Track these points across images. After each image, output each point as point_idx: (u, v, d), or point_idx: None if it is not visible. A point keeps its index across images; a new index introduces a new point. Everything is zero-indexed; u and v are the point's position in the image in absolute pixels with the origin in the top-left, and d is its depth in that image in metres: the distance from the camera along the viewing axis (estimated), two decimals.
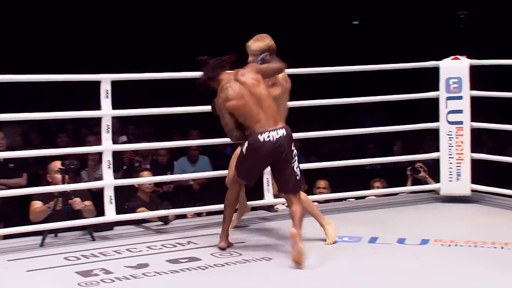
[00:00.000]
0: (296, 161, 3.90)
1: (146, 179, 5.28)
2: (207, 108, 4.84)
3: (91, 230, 4.45)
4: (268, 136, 3.84)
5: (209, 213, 5.04)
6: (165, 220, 4.78)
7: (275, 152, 3.87)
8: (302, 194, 4.08)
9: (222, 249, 4.08)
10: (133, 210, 4.98)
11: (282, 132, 3.86)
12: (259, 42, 4.08)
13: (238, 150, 4.24)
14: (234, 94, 3.87)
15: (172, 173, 6.71)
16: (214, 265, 3.85)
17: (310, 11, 12.00)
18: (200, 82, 3.98)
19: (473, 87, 5.21)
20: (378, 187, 5.82)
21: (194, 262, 3.90)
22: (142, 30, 11.70)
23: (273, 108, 3.89)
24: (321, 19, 11.98)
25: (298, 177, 3.89)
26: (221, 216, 4.81)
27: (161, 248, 4.22)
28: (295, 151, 3.91)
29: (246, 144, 3.94)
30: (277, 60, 4.05)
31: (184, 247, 4.23)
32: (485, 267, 3.71)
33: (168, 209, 4.81)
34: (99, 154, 4.74)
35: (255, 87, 3.88)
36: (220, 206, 4.78)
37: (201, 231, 4.59)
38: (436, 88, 5.28)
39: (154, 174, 5.66)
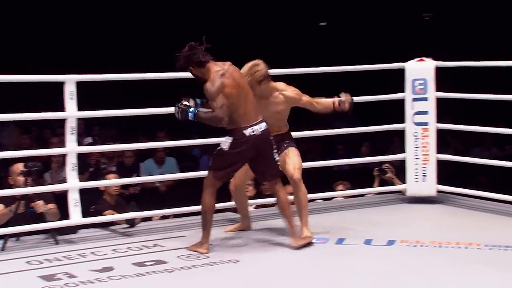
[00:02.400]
0: (274, 149, 4.06)
1: (112, 181, 5.21)
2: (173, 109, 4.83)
3: (54, 233, 4.37)
4: (253, 130, 3.95)
5: (176, 215, 4.99)
6: (131, 222, 4.73)
7: (260, 145, 3.98)
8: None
9: (202, 254, 4.03)
10: (99, 213, 4.91)
11: (264, 125, 3.98)
12: (245, 73, 4.14)
13: None
14: (230, 82, 3.90)
15: (138, 175, 6.64)
16: (181, 268, 3.82)
17: (277, 12, 12.02)
18: (182, 65, 3.93)
19: (439, 88, 5.26)
20: (341, 190, 5.82)
21: (161, 265, 3.86)
22: (110, 31, 11.58)
23: (255, 102, 4.01)
24: (288, 20, 12.01)
25: (278, 163, 4.09)
26: (188, 218, 4.84)
27: (127, 251, 4.17)
28: (272, 140, 4.06)
29: (229, 140, 3.96)
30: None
31: (150, 249, 4.19)
32: (450, 267, 3.75)
33: (134, 211, 4.75)
34: (63, 156, 4.65)
35: (243, 79, 4.00)
36: (188, 209, 4.79)
37: (168, 234, 4.55)
38: (402, 89, 5.32)
39: (120, 176, 5.59)
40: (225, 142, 3.99)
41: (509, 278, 3.55)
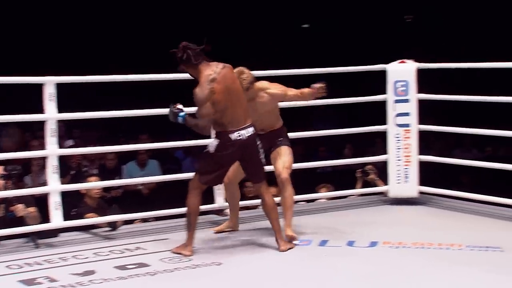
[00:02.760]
0: (261, 152, 4.08)
1: (94, 184, 5.17)
2: (156, 111, 4.81)
3: (35, 237, 4.32)
4: (239, 135, 3.94)
5: (159, 218, 4.96)
6: (113, 225, 4.70)
7: (246, 150, 3.99)
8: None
9: (186, 256, 4.02)
10: (80, 216, 4.86)
11: (251, 130, 3.98)
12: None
13: None
14: (219, 87, 3.88)
15: (120, 178, 6.58)
16: (164, 270, 3.80)
17: (260, 14, 12.03)
18: (181, 68, 4.00)
19: (424, 90, 5.29)
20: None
21: (143, 268, 3.84)
22: (90, 32, 11.50)
23: (246, 106, 4.02)
24: (271, 22, 12.03)
25: (264, 165, 4.10)
26: (171, 221, 4.82)
27: (109, 254, 4.14)
28: (259, 144, 4.06)
29: (216, 142, 3.97)
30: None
31: (132, 252, 4.17)
32: (432, 268, 3.77)
33: (116, 214, 4.72)
34: (44, 159, 4.61)
35: (234, 83, 3.98)
36: (171, 211, 4.77)
37: (150, 237, 4.53)
38: (384, 91, 5.34)
39: (102, 179, 5.55)
40: (211, 144, 4.01)
41: (490, 278, 3.58)
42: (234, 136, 3.94)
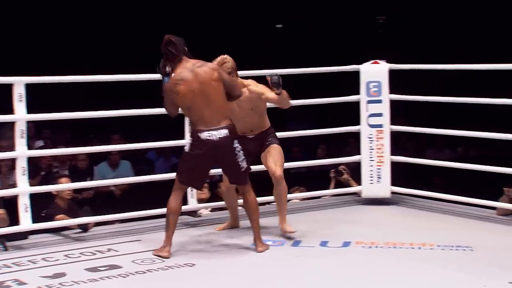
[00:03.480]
0: (241, 154, 3.98)
1: (64, 185, 5.09)
2: (129, 112, 4.77)
3: (3, 239, 4.25)
4: (210, 135, 3.88)
5: (131, 220, 4.91)
6: (84, 227, 4.65)
7: (218, 152, 3.92)
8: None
9: (164, 257, 3.99)
10: (50, 218, 4.79)
11: (224, 132, 3.89)
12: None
13: None
14: (184, 88, 3.87)
15: (92, 179, 6.51)
16: (136, 272, 3.77)
17: (233, 14, 12.01)
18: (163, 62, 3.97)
19: (398, 91, 5.32)
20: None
21: (115, 270, 3.81)
22: (63, 33, 11.35)
23: (221, 107, 3.91)
24: (244, 22, 12.02)
25: (243, 169, 4.00)
26: (143, 222, 4.79)
27: (80, 256, 4.09)
28: (237, 147, 3.95)
29: (189, 141, 3.97)
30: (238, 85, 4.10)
31: (104, 254, 4.13)
32: (404, 267, 3.80)
33: (88, 215, 4.67)
34: (13, 160, 4.53)
35: (207, 84, 3.89)
36: (143, 213, 4.73)
37: (122, 238, 4.49)
38: (357, 91, 5.37)
39: (73, 180, 5.47)
40: (187, 143, 4.01)
41: (461, 277, 3.61)
42: (204, 135, 3.89)
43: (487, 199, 4.87)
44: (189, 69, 3.88)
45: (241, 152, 3.99)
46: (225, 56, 4.23)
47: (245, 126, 4.33)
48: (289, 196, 5.48)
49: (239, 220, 4.64)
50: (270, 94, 4.27)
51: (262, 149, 4.40)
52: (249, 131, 4.38)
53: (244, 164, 4.00)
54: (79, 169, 6.67)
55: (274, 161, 4.32)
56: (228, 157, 3.96)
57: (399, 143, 6.74)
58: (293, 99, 4.75)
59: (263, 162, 4.38)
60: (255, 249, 4.07)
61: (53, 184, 5.14)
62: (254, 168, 4.63)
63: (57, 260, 4.02)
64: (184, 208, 4.85)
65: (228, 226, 4.63)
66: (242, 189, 4.11)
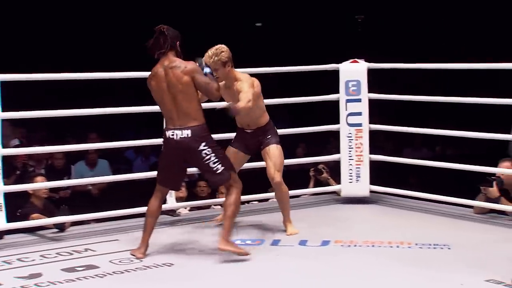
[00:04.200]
0: (211, 157, 3.86)
1: (41, 184, 5.02)
2: (105, 110, 4.72)
3: None
4: (173, 134, 3.85)
5: (109, 219, 4.86)
6: (60, 227, 4.59)
7: (180, 152, 3.87)
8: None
9: (138, 258, 3.96)
10: (26, 217, 4.72)
11: (187, 132, 3.83)
12: (211, 54, 4.10)
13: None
14: (154, 84, 3.86)
15: (69, 178, 6.43)
16: (113, 272, 3.74)
17: (212, 12, 11.97)
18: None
19: (377, 90, 5.33)
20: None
21: (92, 270, 3.77)
22: (39, 31, 11.22)
23: (188, 109, 3.83)
24: (224, 21, 11.99)
25: (218, 171, 3.88)
26: (121, 221, 4.76)
27: (56, 257, 4.04)
28: (206, 150, 3.84)
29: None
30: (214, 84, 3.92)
31: (81, 254, 4.09)
32: (382, 266, 3.81)
33: (65, 214, 4.61)
34: None
35: (174, 86, 3.81)
36: (121, 212, 4.70)
37: (100, 238, 4.45)
38: (337, 90, 5.37)
39: (50, 179, 5.41)
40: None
41: (438, 275, 3.62)
42: (168, 133, 3.88)
43: (464, 198, 4.91)
44: (164, 67, 3.85)
45: (213, 154, 3.87)
46: (222, 46, 4.16)
47: (241, 120, 4.34)
48: (268, 195, 5.49)
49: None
50: (244, 95, 4.11)
51: (261, 146, 4.36)
52: (246, 125, 4.36)
53: (219, 166, 3.88)
54: (56, 168, 6.59)
55: (273, 164, 4.31)
56: (195, 159, 3.87)
57: (376, 142, 6.76)
58: (272, 97, 4.75)
59: (264, 160, 4.37)
60: (218, 245, 3.91)
61: (29, 183, 5.07)
62: (249, 165, 4.61)
63: (33, 260, 3.97)
64: (163, 207, 4.83)
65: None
66: (225, 189, 4.06)
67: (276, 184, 4.35)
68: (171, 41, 3.86)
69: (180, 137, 3.83)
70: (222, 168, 3.90)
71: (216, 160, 3.88)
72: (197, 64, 3.92)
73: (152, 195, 4.05)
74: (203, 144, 3.85)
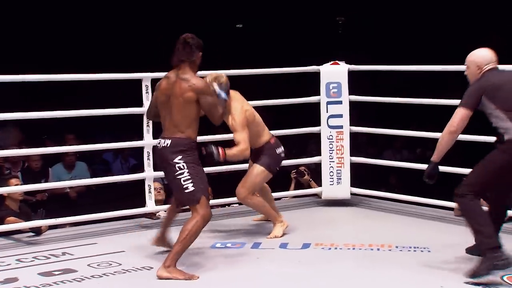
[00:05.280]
0: (184, 172, 3.64)
1: (18, 187, 4.92)
2: (84, 112, 4.67)
3: None
4: (159, 142, 3.79)
5: (87, 222, 4.80)
6: (37, 230, 4.53)
7: (159, 161, 3.84)
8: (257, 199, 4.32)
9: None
10: (1, 221, 4.63)
11: (167, 142, 3.71)
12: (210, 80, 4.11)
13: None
14: (162, 88, 3.78)
15: (46, 181, 6.33)
16: (91, 276, 3.70)
17: (193, 14, 11.92)
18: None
19: (360, 92, 5.32)
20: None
21: (69, 274, 3.73)
22: (17, 31, 11.07)
23: (178, 121, 3.69)
24: (204, 22, 11.94)
25: (187, 190, 3.65)
26: (99, 225, 4.76)
27: (33, 261, 4.00)
28: (180, 164, 3.65)
29: None
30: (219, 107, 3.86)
31: (58, 258, 4.04)
32: (362, 268, 3.81)
33: (41, 218, 4.54)
34: None
35: (175, 97, 3.69)
36: (99, 215, 4.66)
37: (78, 241, 4.40)
38: (318, 92, 5.36)
39: (27, 182, 5.32)
40: None
41: (418, 278, 3.63)
42: (157, 141, 3.83)
43: (444, 200, 4.92)
44: (176, 75, 3.75)
45: (187, 170, 3.64)
46: (221, 74, 4.19)
47: None
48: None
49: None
50: (231, 121, 4.17)
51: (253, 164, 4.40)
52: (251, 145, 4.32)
53: (189, 185, 3.64)
54: (33, 170, 6.48)
55: (245, 181, 4.34)
56: (167, 170, 3.71)
57: (357, 144, 6.77)
58: (253, 99, 4.72)
59: None
60: (157, 270, 3.65)
61: (4, 186, 4.97)
62: (229, 168, 4.66)
63: (9, 264, 3.91)
64: (142, 210, 4.79)
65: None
66: (191, 210, 3.72)
67: (240, 200, 4.39)
68: (192, 53, 3.76)
69: (161, 146, 3.73)
70: (193, 188, 3.65)
71: (188, 177, 3.64)
72: (214, 87, 3.92)
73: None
74: (179, 157, 3.65)
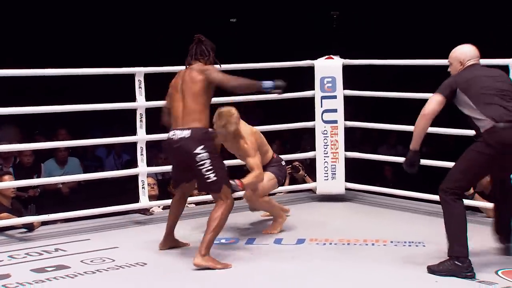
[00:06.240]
0: (206, 163, 3.71)
1: (9, 183, 4.88)
2: (76, 107, 4.63)
3: None
4: (174, 134, 3.77)
5: (79, 218, 4.77)
6: (29, 226, 4.50)
7: (177, 151, 3.78)
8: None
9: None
10: None
11: (186, 133, 3.73)
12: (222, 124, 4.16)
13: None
14: (173, 81, 3.84)
15: (38, 176, 6.28)
16: (84, 272, 3.68)
17: (186, 8, 11.88)
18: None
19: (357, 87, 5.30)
20: None
21: (62, 270, 3.71)
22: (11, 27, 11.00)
23: (193, 109, 3.74)
24: (198, 16, 11.90)
25: (209, 180, 3.72)
26: (92, 221, 4.72)
27: (25, 257, 3.97)
28: (201, 154, 3.70)
29: None
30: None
31: (51, 254, 4.02)
32: (357, 264, 3.79)
33: (33, 214, 4.51)
34: None
35: (187, 82, 3.77)
36: (92, 211, 4.64)
37: (71, 237, 4.38)
38: (312, 87, 5.34)
39: (19, 177, 5.27)
40: None
41: (414, 273, 3.61)
42: (170, 134, 3.80)
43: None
44: (188, 68, 3.84)
45: (209, 161, 3.72)
46: (231, 108, 4.22)
47: None
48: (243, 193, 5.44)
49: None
50: (243, 145, 4.24)
51: None
52: None
53: (211, 175, 3.71)
54: (25, 166, 6.43)
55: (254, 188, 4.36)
56: (189, 161, 3.73)
57: (352, 139, 6.77)
58: (246, 94, 4.69)
59: None
60: (194, 259, 3.70)
61: None
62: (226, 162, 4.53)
63: (1, 261, 3.89)
64: (135, 206, 4.77)
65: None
66: (214, 200, 3.82)
67: (248, 200, 4.38)
68: (205, 52, 3.86)
69: (179, 137, 3.73)
70: (215, 178, 3.72)
71: (210, 167, 3.71)
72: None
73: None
74: (200, 147, 3.71)
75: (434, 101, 3.58)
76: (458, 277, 3.45)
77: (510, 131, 3.45)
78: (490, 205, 4.68)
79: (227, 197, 3.77)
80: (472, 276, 3.45)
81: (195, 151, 3.71)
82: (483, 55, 3.81)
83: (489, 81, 3.56)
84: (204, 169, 3.72)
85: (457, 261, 3.47)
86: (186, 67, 3.87)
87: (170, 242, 4.06)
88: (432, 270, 3.54)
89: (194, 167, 3.73)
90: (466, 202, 4.70)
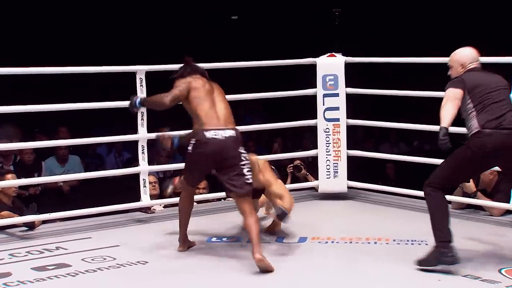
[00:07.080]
0: (247, 165, 3.80)
1: (10, 182, 4.87)
2: (77, 105, 4.62)
3: None
4: (216, 134, 3.76)
5: (80, 217, 4.76)
6: (30, 225, 4.49)
7: (221, 151, 3.77)
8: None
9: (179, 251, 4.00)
10: None
11: (230, 132, 3.78)
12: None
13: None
14: (197, 85, 3.88)
15: (39, 175, 6.27)
16: (85, 271, 3.67)
17: (189, 5, 11.86)
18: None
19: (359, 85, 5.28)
20: None
21: (63, 268, 3.70)
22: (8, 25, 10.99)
23: (225, 111, 3.85)
24: (199, 14, 11.88)
25: (249, 181, 3.79)
26: (93, 219, 4.72)
27: (26, 255, 3.96)
28: (244, 155, 3.80)
29: (193, 141, 3.83)
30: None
31: (52, 253, 4.01)
32: (359, 262, 3.79)
33: (34, 213, 4.50)
34: None
35: (217, 90, 3.93)
36: (93, 210, 4.64)
37: (72, 236, 4.37)
38: (314, 85, 5.31)
39: (20, 176, 5.26)
40: (190, 143, 3.85)
41: (416, 272, 3.59)
42: (209, 134, 3.77)
43: None
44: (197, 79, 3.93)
45: (248, 162, 3.82)
46: (258, 156, 4.34)
47: None
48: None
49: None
50: (261, 177, 4.22)
51: None
52: None
53: (250, 178, 3.79)
54: (26, 164, 6.42)
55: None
56: (232, 160, 3.76)
57: (354, 137, 6.74)
58: (248, 92, 4.69)
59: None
60: (267, 263, 3.64)
61: None
62: None
63: (2, 259, 3.88)
64: (137, 204, 4.75)
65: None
66: (242, 204, 3.79)
67: None
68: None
69: (225, 137, 3.75)
70: (251, 181, 3.81)
71: (249, 169, 3.81)
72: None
73: (181, 194, 4.04)
74: (243, 149, 3.83)
75: (451, 92, 3.55)
76: (443, 264, 3.51)
77: (492, 137, 3.50)
78: (492, 203, 4.69)
79: (252, 199, 3.90)
80: (455, 260, 3.50)
81: (239, 150, 3.80)
82: (484, 53, 3.80)
83: (491, 86, 3.59)
84: (246, 170, 3.80)
85: (442, 248, 3.54)
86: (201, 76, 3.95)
87: (188, 242, 4.06)
88: (423, 262, 3.58)
89: (236, 166, 3.76)
90: (469, 200, 4.75)
